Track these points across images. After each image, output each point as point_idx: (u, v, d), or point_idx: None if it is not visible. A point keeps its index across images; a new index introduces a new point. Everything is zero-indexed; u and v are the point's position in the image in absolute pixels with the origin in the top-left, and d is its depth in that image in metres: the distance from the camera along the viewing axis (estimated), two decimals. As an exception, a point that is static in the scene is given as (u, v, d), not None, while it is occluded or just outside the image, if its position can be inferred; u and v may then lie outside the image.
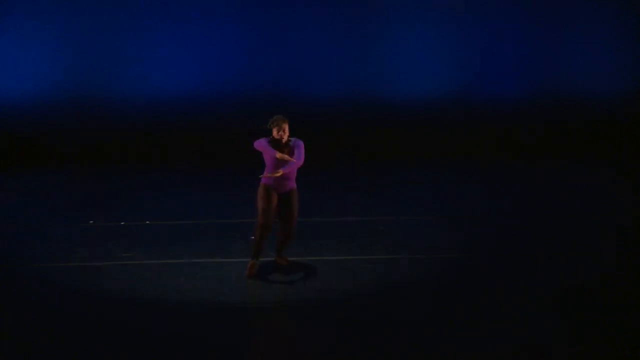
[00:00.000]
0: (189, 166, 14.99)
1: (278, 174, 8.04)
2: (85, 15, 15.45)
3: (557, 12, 16.02)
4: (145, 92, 15.64)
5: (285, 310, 7.32)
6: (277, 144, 8.17)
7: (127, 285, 7.87)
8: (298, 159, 8.16)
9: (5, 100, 15.42)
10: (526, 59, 16.08)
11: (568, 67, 16.12)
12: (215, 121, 15.66)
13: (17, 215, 11.19)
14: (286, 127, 8.17)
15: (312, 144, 14.47)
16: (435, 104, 15.95)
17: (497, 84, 16.01)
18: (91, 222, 10.49)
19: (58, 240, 9.58)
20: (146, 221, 10.47)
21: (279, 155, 8.05)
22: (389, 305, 7.36)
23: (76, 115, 15.55)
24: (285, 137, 8.17)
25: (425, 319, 6.99)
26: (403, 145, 15.78)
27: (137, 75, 15.60)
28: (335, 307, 7.30)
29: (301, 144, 8.26)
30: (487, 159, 15.31)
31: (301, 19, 15.80)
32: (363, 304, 7.39)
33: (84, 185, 13.50)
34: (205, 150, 15.67)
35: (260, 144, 8.18)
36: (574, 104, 16.08)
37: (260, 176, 8.20)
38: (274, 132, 8.16)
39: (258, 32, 15.76)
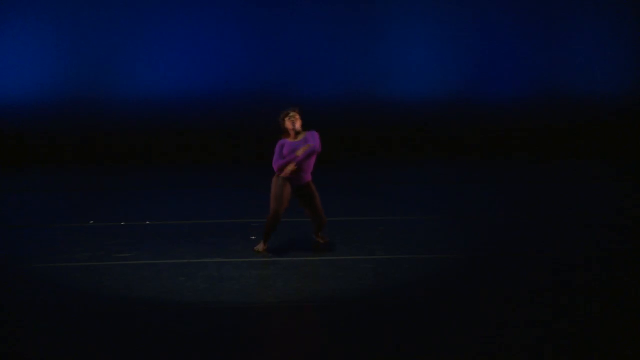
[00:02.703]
0: (188, 166, 14.99)
1: (292, 167, 8.17)
2: (85, 15, 15.47)
3: (556, 12, 16.03)
4: (145, 92, 15.65)
5: (285, 310, 7.31)
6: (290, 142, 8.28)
7: (127, 285, 7.86)
8: (313, 143, 8.22)
9: (5, 100, 15.43)
10: (526, 59, 16.09)
11: (568, 67, 16.13)
12: (215, 121, 15.67)
13: (17, 215, 11.19)
14: (296, 114, 8.30)
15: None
16: (435, 104, 15.95)
17: (497, 84, 16.01)
18: (91, 222, 10.48)
19: (58, 240, 9.57)
20: (146, 221, 10.47)
21: (285, 172, 8.16)
22: (389, 305, 7.35)
23: (76, 115, 15.56)
24: (298, 125, 8.27)
25: (425, 319, 6.98)
26: (403, 145, 15.78)
27: (137, 75, 15.61)
28: (335, 307, 7.30)
29: (316, 134, 8.35)
30: (487, 159, 15.30)
31: (301, 19, 15.81)
32: (363, 304, 7.38)
33: (84, 185, 13.50)
34: (205, 150, 15.67)
35: (275, 150, 8.31)
36: (574, 104, 16.09)
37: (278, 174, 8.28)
38: (287, 124, 8.27)
39: (258, 32, 15.77)
